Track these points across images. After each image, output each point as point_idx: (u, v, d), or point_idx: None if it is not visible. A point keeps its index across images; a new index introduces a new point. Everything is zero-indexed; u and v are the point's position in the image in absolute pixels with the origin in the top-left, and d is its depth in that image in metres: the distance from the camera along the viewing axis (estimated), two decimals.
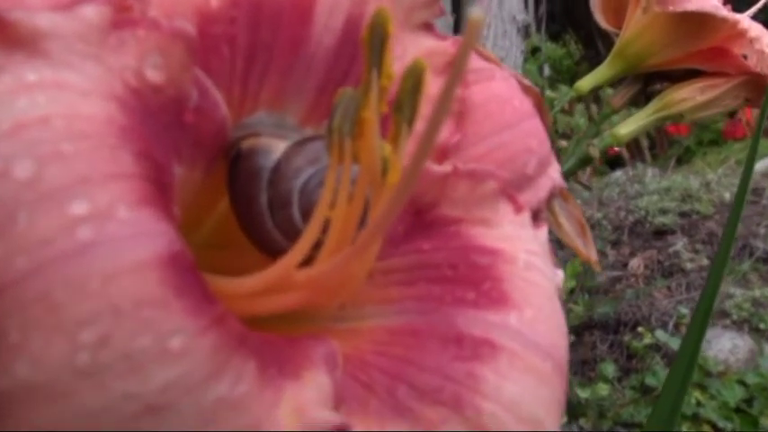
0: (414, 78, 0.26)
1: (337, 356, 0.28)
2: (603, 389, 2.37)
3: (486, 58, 0.38)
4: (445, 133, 0.34)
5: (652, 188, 3.52)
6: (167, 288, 0.22)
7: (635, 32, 0.92)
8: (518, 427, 0.29)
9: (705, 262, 2.96)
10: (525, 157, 0.36)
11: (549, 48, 5.69)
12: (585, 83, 0.94)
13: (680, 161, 5.28)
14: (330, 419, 0.25)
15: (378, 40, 0.26)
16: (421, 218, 0.33)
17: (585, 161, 0.92)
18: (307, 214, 0.29)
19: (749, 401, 2.32)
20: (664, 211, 3.30)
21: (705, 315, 0.64)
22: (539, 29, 4.40)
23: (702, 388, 2.40)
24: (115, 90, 0.25)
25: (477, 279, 0.32)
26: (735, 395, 2.30)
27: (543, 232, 0.35)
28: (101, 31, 0.26)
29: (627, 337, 2.71)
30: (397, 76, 0.29)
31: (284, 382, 0.25)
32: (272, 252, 0.31)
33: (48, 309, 0.21)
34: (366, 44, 0.26)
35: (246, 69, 0.31)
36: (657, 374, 2.42)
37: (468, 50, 0.19)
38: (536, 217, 0.36)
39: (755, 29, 0.85)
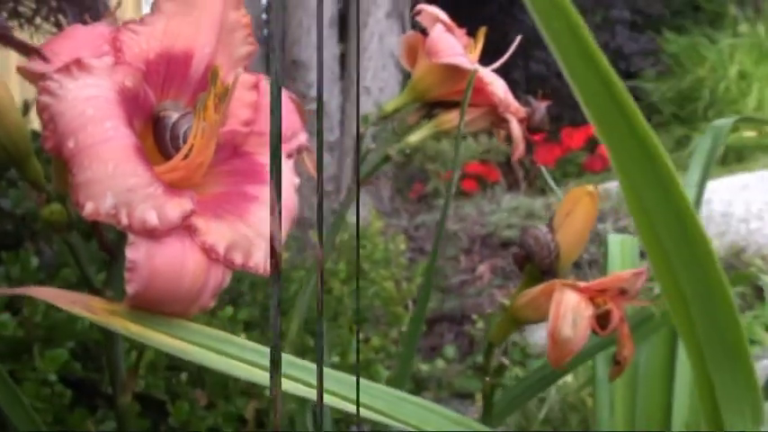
0: (224, 93, 0.72)
1: (195, 197, 0.73)
2: (441, 364, 2.87)
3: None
4: (248, 115, 0.80)
5: (503, 207, 4.10)
6: (138, 156, 0.67)
7: (421, 74, 1.36)
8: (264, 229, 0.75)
9: None
10: (285, 130, 0.83)
11: None
12: (389, 106, 1.42)
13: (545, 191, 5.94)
14: (190, 207, 0.70)
15: (214, 77, 0.72)
16: (235, 150, 0.79)
17: (386, 158, 1.40)
18: (185, 141, 0.74)
19: None
20: (510, 227, 3.88)
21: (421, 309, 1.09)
22: None
23: (522, 365, 2.93)
24: (116, 88, 0.70)
25: (255, 174, 0.77)
26: None
27: (291, 162, 0.82)
28: (112, 65, 0.70)
29: (468, 327, 3.24)
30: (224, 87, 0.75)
31: (173, 197, 0.70)
32: (170, 158, 0.75)
33: (97, 156, 0.65)
34: (210, 78, 0.72)
35: (163, 83, 0.76)
36: None
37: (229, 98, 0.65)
38: (289, 155, 0.82)
39: (489, 76, 1.31)
